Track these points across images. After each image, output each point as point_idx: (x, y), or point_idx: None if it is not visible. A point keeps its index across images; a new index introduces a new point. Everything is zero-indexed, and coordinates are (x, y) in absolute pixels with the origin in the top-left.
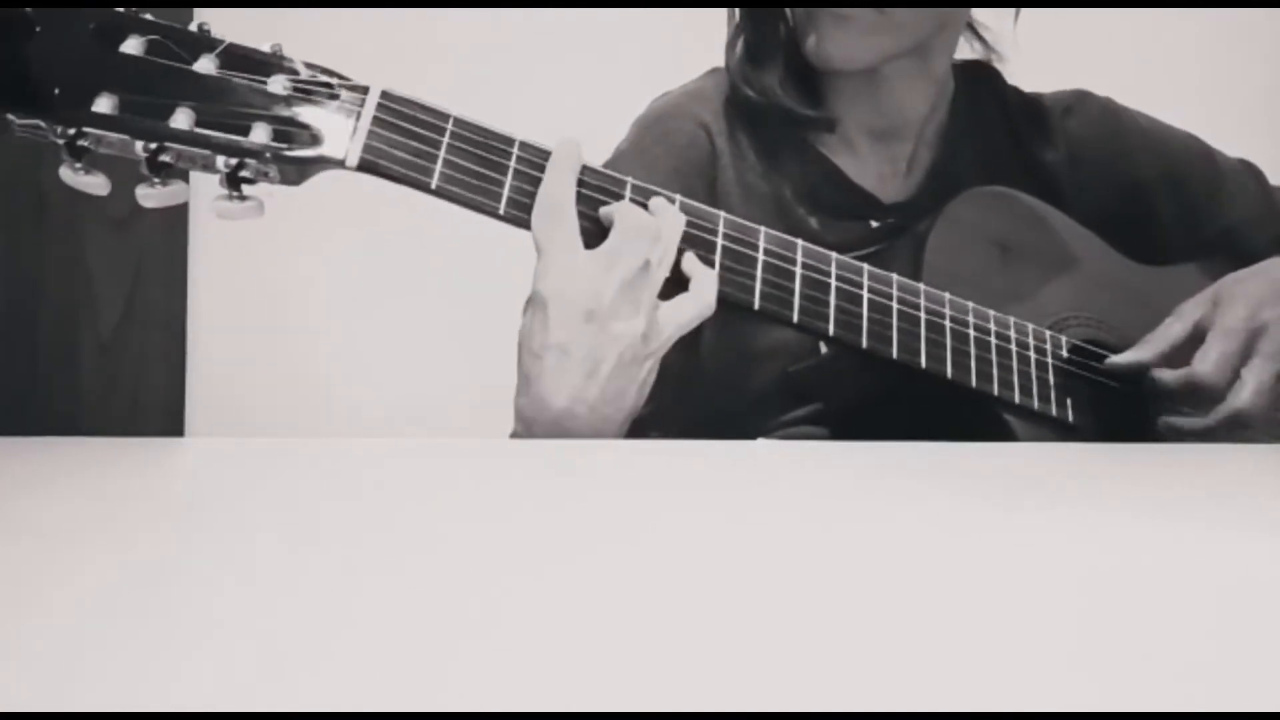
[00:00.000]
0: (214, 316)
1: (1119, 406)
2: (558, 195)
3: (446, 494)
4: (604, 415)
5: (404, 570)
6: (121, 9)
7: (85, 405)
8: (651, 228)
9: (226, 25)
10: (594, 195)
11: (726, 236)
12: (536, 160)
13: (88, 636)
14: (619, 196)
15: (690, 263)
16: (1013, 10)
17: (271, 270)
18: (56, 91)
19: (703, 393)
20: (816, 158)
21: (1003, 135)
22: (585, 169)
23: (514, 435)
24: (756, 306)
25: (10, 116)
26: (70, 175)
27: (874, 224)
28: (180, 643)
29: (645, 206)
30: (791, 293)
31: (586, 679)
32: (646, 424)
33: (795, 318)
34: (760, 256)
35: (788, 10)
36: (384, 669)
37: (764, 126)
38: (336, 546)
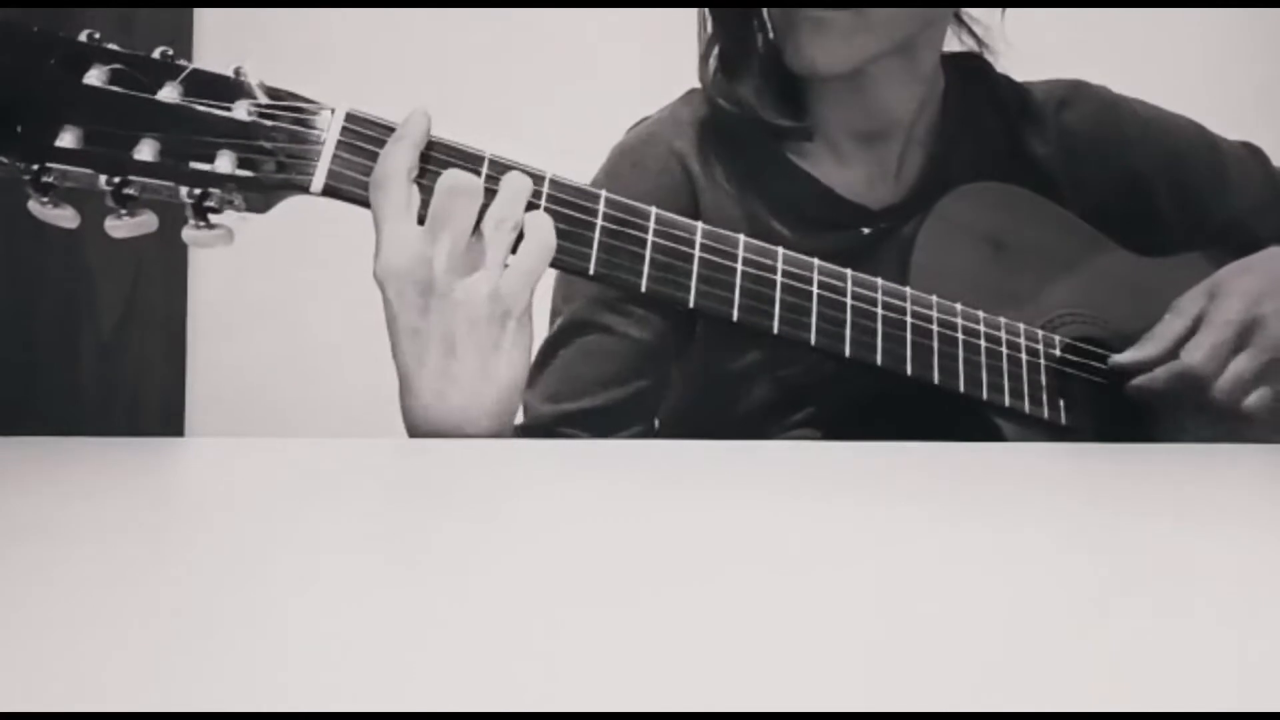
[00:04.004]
0: (214, 316)
1: (1114, 406)
2: (386, 167)
3: (447, 494)
4: (477, 390)
5: (404, 570)
6: (84, 39)
7: (85, 405)
8: (469, 186)
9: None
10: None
11: (703, 247)
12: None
13: (88, 636)
14: (476, 170)
15: (527, 216)
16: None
17: (271, 270)
18: (19, 128)
19: (699, 406)
20: (796, 174)
21: (995, 129)
22: (436, 144)
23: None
24: (735, 318)
25: None
26: (38, 209)
27: (865, 231)
28: (180, 643)
29: (496, 178)
30: (772, 302)
31: (585, 679)
32: (571, 420)
33: (776, 328)
34: (739, 266)
35: (764, 18)
36: (385, 669)
37: (741, 140)
38: (337, 547)
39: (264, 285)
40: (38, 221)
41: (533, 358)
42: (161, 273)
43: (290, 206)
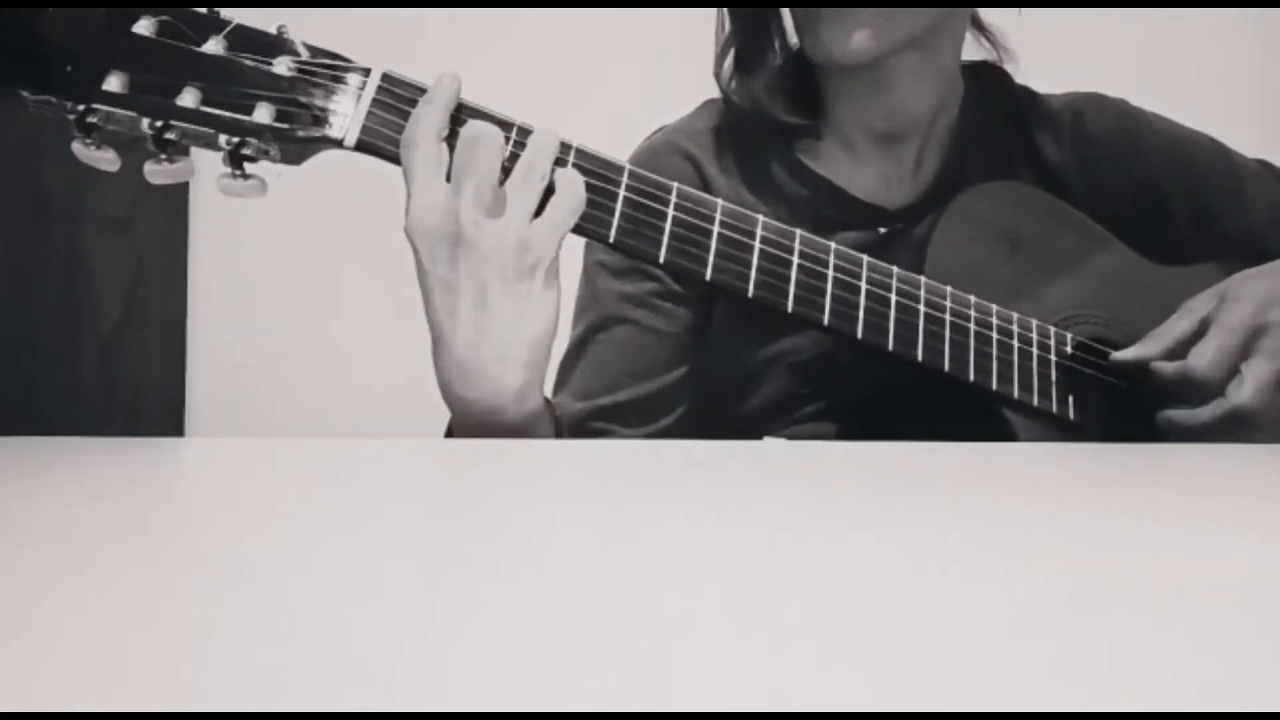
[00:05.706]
0: (214, 316)
1: (1123, 405)
2: (417, 128)
3: (448, 495)
4: (511, 340)
5: (404, 571)
6: None
7: (85, 405)
8: (489, 134)
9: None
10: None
11: (723, 224)
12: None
13: (88, 636)
14: (505, 135)
15: (557, 172)
16: (1015, 11)
17: (271, 270)
18: (69, 69)
19: (712, 397)
20: (812, 178)
21: (1012, 136)
22: (465, 107)
23: (450, 411)
24: (751, 294)
25: (24, 92)
26: (81, 150)
27: (882, 230)
28: (180, 643)
29: (524, 143)
30: (787, 280)
31: (588, 679)
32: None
33: (790, 307)
34: (756, 244)
35: (782, 18)
36: (383, 668)
37: (754, 143)
38: (337, 547)
39: (264, 285)
40: (38, 221)
41: (559, 317)
42: (161, 273)
43: (294, 207)
